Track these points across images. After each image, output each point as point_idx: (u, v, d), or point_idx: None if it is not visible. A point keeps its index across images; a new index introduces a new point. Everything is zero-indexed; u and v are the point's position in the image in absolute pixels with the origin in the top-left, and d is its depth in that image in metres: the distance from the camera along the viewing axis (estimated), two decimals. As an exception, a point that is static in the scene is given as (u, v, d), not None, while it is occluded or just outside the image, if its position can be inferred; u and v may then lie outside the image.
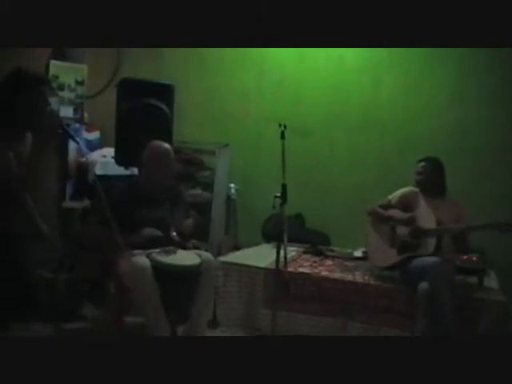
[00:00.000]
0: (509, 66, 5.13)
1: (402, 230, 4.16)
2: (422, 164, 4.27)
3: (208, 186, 5.65)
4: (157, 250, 3.68)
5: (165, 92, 4.73)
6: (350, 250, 5.14)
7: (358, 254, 5.02)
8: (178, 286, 3.56)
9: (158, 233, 3.76)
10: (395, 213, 4.26)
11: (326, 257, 4.98)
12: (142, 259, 3.60)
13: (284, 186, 3.07)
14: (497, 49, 4.99)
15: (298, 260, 4.76)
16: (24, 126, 2.73)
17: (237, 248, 5.35)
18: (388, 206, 4.32)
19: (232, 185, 5.79)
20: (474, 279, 4.23)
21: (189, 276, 3.60)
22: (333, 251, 5.16)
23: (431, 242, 3.99)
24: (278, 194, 3.05)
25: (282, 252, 3.12)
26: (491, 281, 4.33)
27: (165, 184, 3.99)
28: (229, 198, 5.80)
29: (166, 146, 3.97)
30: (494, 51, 5.02)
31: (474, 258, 4.54)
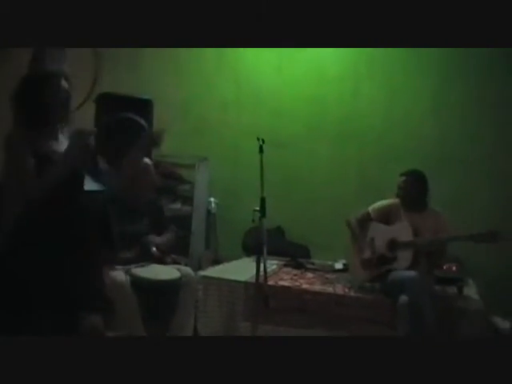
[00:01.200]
0: (488, 77, 5.17)
1: (380, 243, 4.18)
2: (404, 178, 4.25)
3: (188, 200, 5.63)
4: (135, 265, 3.68)
5: (144, 107, 4.70)
6: (330, 263, 5.13)
7: (338, 266, 5.03)
8: (157, 301, 3.54)
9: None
10: (373, 225, 4.29)
11: (307, 269, 4.97)
12: (120, 274, 3.59)
13: (263, 200, 3.05)
14: (476, 58, 5.06)
15: (279, 273, 4.74)
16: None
17: (217, 262, 5.32)
18: (367, 218, 4.32)
19: (212, 199, 5.76)
20: (453, 289, 4.24)
21: (168, 290, 3.58)
22: (313, 264, 5.16)
23: (408, 255, 4.00)
24: (257, 208, 3.04)
25: (262, 265, 3.11)
26: (470, 290, 4.35)
27: (145, 198, 3.98)
28: (209, 211, 5.78)
29: (146, 160, 3.96)
30: (473, 61, 5.09)
31: (454, 268, 4.57)
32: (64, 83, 2.67)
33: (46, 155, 2.49)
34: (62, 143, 2.61)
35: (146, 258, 3.87)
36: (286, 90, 5.79)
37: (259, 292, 3.14)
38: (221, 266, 4.94)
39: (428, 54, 5.28)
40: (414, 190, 4.20)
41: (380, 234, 4.21)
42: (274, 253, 5.18)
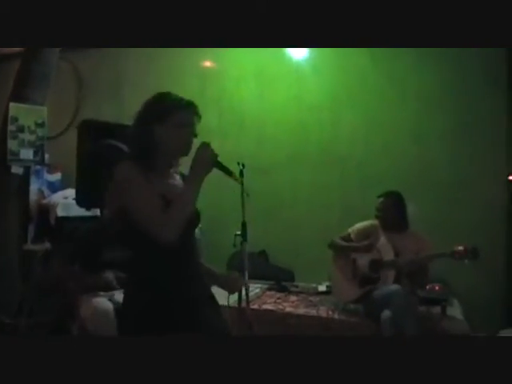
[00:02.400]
0: (467, 103, 5.26)
1: (362, 263, 4.21)
2: (382, 200, 4.32)
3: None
4: (119, 292, 3.66)
5: (125, 133, 4.74)
6: (314, 285, 5.15)
7: (322, 288, 5.05)
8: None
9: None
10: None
11: (290, 292, 4.99)
12: (103, 302, 3.58)
13: (244, 224, 3.08)
14: (455, 86, 5.16)
15: (263, 297, 4.76)
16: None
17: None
18: (347, 239, 4.38)
19: (196, 224, 5.76)
20: (437, 309, 4.26)
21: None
22: (297, 287, 5.18)
23: (390, 275, 4.04)
24: (239, 232, 3.07)
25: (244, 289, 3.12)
26: (455, 309, 4.37)
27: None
28: (193, 236, 5.77)
29: None
30: (451, 88, 5.18)
31: (437, 288, 4.60)
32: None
33: (167, 195, 2.31)
34: (174, 181, 2.48)
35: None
36: (268, 117, 5.85)
37: (242, 316, 3.15)
38: (205, 291, 4.91)
39: (407, 84, 5.40)
40: (392, 211, 4.26)
41: (362, 255, 4.25)
42: (259, 277, 5.21)
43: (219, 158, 2.42)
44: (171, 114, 2.37)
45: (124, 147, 4.69)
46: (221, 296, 4.41)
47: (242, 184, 2.62)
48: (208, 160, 2.35)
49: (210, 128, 5.95)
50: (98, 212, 4.48)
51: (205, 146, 2.35)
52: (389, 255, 4.08)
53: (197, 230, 5.68)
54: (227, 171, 2.54)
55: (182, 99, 2.42)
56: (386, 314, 3.77)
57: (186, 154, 2.41)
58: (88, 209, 4.53)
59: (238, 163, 3.28)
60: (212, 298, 2.54)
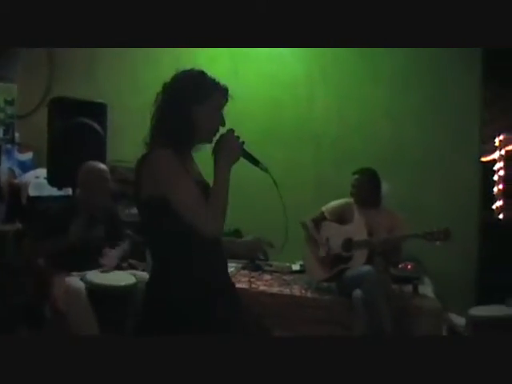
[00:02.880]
0: (440, 81, 5.27)
1: (335, 243, 4.23)
2: (356, 176, 4.34)
3: (145, 205, 5.57)
4: (91, 272, 3.65)
5: (97, 111, 4.69)
6: (288, 264, 5.17)
7: (296, 267, 5.07)
8: (114, 307, 3.51)
9: None
10: (328, 225, 4.34)
11: (264, 271, 5.00)
12: (75, 281, 3.56)
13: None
14: (428, 64, 5.17)
15: (237, 276, 4.76)
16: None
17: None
18: (321, 218, 4.39)
19: (170, 202, 5.71)
20: (409, 287, 4.31)
21: (123, 296, 3.56)
22: (271, 266, 5.19)
23: (363, 254, 4.07)
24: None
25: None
26: (426, 288, 4.42)
27: (101, 204, 3.96)
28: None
29: (101, 166, 3.96)
30: (425, 66, 5.20)
31: (409, 266, 4.64)
32: None
33: (199, 183, 2.20)
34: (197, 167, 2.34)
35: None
36: (242, 94, 5.79)
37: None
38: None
39: (381, 62, 5.40)
40: (367, 187, 4.29)
41: (335, 234, 4.27)
42: (233, 256, 5.20)
43: (245, 146, 2.28)
44: (211, 96, 2.24)
45: (96, 125, 4.65)
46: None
47: (269, 173, 2.40)
48: (237, 148, 2.24)
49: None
50: (69, 191, 4.44)
51: (232, 133, 2.24)
52: (362, 234, 4.10)
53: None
54: (254, 161, 2.38)
55: (218, 80, 2.29)
56: (358, 293, 3.81)
57: (211, 139, 2.27)
58: (60, 188, 4.49)
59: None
60: (233, 285, 2.42)
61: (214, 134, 2.27)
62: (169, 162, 2.09)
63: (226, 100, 2.32)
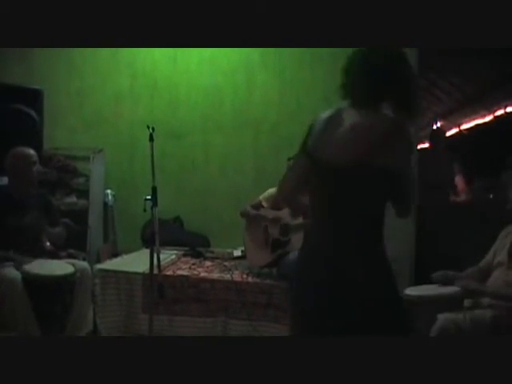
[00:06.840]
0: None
1: (273, 229, 4.28)
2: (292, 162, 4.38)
3: (83, 193, 5.50)
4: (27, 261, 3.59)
5: (33, 97, 4.59)
6: (229, 250, 5.19)
7: (237, 253, 5.10)
8: (51, 298, 3.47)
9: None
10: (265, 212, 4.38)
11: (206, 258, 5.01)
12: (10, 271, 3.50)
13: (154, 189, 3.06)
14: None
15: (178, 263, 4.75)
16: None
17: (116, 255, 5.24)
18: (259, 206, 4.44)
19: (108, 191, 5.64)
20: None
21: (61, 286, 3.51)
22: (212, 252, 5.20)
23: (300, 237, 4.11)
24: (149, 197, 3.04)
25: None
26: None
27: (29, 190, 3.90)
28: (106, 204, 5.67)
29: (28, 151, 3.91)
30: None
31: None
32: None
33: None
34: None
35: (39, 252, 3.78)
36: (181, 81, 5.77)
37: (154, 282, 3.15)
38: (119, 259, 4.87)
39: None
40: None
41: (272, 220, 4.32)
42: (174, 243, 5.19)
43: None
44: None
45: (33, 112, 4.54)
46: (137, 264, 4.42)
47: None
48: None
49: (121, 91, 5.82)
50: (4, 181, 4.33)
51: None
52: (297, 218, 4.15)
53: (109, 197, 5.62)
54: None
55: None
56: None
57: None
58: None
59: (148, 127, 3.24)
60: None
61: None
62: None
63: None
